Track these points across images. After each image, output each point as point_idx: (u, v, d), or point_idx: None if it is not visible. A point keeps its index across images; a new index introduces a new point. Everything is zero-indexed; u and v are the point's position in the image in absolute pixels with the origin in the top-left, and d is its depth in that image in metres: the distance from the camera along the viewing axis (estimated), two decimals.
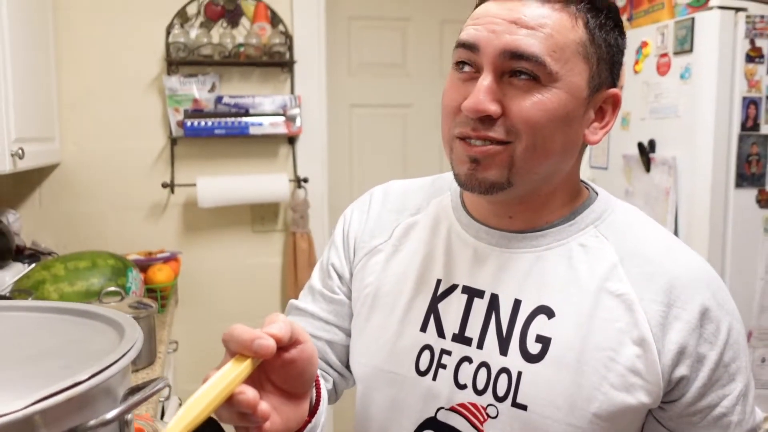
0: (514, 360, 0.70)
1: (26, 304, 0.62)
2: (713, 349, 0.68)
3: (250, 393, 0.54)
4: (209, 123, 2.21)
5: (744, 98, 1.78)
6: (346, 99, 2.64)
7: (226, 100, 2.26)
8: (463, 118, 0.69)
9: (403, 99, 2.71)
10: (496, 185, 0.69)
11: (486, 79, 0.67)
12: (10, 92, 1.54)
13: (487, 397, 0.71)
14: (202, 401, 0.51)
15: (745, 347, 0.72)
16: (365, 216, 0.87)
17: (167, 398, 1.59)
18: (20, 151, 1.54)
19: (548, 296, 0.71)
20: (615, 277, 0.70)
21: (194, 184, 2.24)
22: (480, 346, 0.72)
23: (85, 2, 2.18)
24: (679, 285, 0.69)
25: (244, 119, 2.25)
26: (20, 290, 1.54)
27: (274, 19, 2.32)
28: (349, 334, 0.86)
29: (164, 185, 2.26)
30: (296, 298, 0.91)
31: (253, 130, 2.25)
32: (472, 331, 0.73)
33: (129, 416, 0.51)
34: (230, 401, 0.53)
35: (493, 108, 0.66)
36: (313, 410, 0.67)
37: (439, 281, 0.77)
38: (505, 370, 0.70)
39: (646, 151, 1.99)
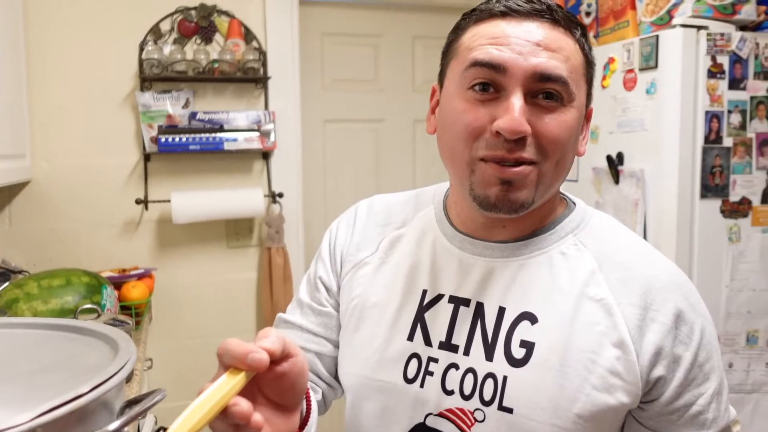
0: (499, 365, 0.72)
1: (23, 321, 0.64)
2: (688, 349, 0.71)
3: (244, 405, 0.55)
4: (183, 139, 2.20)
5: (707, 112, 1.85)
6: (320, 114, 2.66)
7: (200, 115, 2.26)
8: (492, 139, 0.69)
9: (376, 114, 2.74)
10: (525, 205, 0.71)
11: (519, 100, 0.68)
12: None
13: (474, 402, 0.73)
14: (197, 413, 0.52)
15: (717, 348, 0.75)
16: (351, 229, 0.89)
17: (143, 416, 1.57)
18: None
19: (531, 303, 0.74)
20: (594, 283, 0.73)
21: (168, 200, 2.22)
22: (466, 352, 0.75)
23: (57, 18, 2.17)
24: (654, 289, 0.72)
25: (219, 135, 2.24)
26: None
27: (248, 36, 2.33)
28: (337, 346, 0.88)
29: (138, 201, 2.24)
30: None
31: (227, 146, 2.25)
32: (459, 338, 0.76)
33: (127, 429, 0.52)
34: (224, 413, 0.54)
35: (529, 129, 0.68)
36: (304, 422, 0.68)
37: (425, 291, 0.80)
38: (491, 375, 0.73)
39: (615, 163, 2.05)
